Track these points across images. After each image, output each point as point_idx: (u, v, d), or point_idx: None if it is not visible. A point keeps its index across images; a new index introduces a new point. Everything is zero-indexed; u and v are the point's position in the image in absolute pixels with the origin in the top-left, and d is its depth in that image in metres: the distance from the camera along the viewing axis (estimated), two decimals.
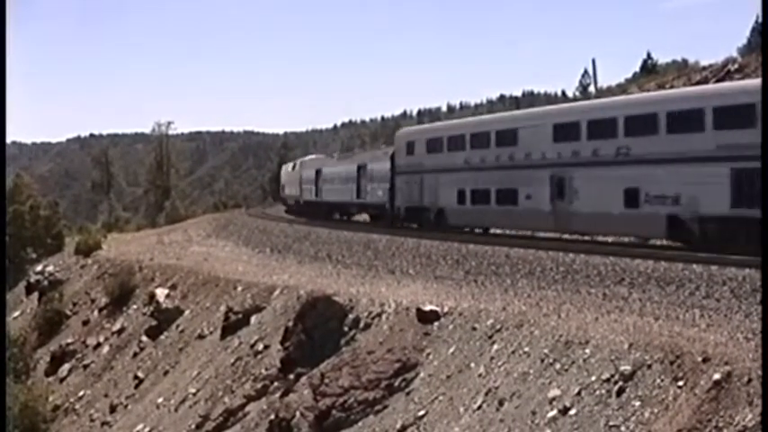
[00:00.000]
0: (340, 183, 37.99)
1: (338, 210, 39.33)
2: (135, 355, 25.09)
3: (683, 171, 18.35)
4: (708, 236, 17.84)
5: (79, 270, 37.83)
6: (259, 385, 17.02)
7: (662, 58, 50.07)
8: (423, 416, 12.13)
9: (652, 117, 19.34)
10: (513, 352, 12.03)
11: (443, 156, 27.77)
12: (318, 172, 41.89)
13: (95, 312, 30.93)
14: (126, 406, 22.49)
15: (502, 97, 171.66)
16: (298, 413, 14.24)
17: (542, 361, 11.25)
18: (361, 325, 15.84)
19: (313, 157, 51.56)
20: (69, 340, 29.66)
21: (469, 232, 26.71)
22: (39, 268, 39.54)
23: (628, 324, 11.34)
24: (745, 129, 16.61)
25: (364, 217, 36.79)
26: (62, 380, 27.67)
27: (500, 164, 24.58)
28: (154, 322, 25.36)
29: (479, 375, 12.10)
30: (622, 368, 9.76)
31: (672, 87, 31.30)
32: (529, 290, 15.43)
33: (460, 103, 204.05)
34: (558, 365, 10.89)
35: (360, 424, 13.12)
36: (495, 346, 12.49)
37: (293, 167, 49.87)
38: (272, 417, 14.92)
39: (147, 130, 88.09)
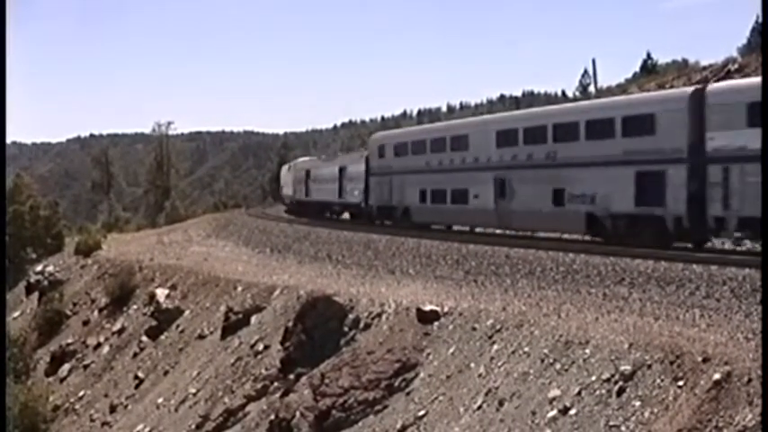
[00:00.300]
0: (325, 183, 39.90)
1: (325, 208, 40.63)
2: (135, 355, 25.09)
3: (597, 173, 20.57)
4: (618, 231, 19.95)
5: (79, 270, 37.83)
6: (259, 385, 17.02)
7: (662, 58, 50.17)
8: (423, 416, 12.14)
9: (574, 125, 21.46)
10: (513, 352, 12.03)
11: (408, 159, 30.37)
12: (308, 173, 43.82)
13: (95, 312, 30.93)
14: (126, 406, 22.50)
15: (502, 97, 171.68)
16: (298, 413, 14.24)
17: (542, 361, 11.25)
18: (362, 325, 15.84)
19: (306, 159, 53.38)
20: (69, 340, 29.67)
21: (469, 232, 27.23)
22: (39, 268, 39.55)
23: (628, 324, 11.34)
24: (645, 136, 19.12)
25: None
26: (62, 380, 27.67)
27: (454, 167, 27.15)
28: (154, 322, 25.37)
29: (479, 375, 12.11)
30: (622, 368, 9.76)
31: (672, 87, 31.30)
32: (529, 290, 15.43)
33: (460, 103, 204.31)
34: (558, 365, 10.89)
35: (360, 424, 13.12)
36: (495, 347, 12.49)
37: (289, 168, 51.87)
38: (273, 417, 14.93)
39: (147, 130, 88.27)
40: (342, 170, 37.42)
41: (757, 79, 18.69)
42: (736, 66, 32.99)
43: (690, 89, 19.60)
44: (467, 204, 25.97)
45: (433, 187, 28.17)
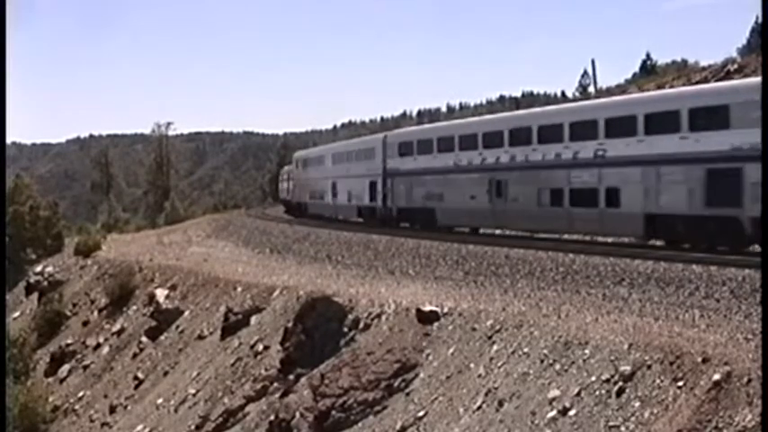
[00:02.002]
0: (298, 186, 48.30)
1: (299, 206, 46.96)
2: (135, 355, 25.09)
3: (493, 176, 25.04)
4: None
5: (79, 271, 37.83)
6: (259, 386, 17.01)
7: (662, 58, 50.23)
8: (422, 416, 12.13)
9: (499, 134, 25.06)
10: (512, 352, 12.03)
11: (309, 170, 44.50)
12: (290, 176, 51.70)
13: (95, 313, 30.93)
14: (126, 407, 22.49)
15: (501, 98, 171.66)
16: (297, 414, 14.24)
17: (542, 361, 11.25)
18: (361, 325, 15.84)
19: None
20: (69, 341, 29.66)
21: (459, 233, 27.27)
22: (38, 269, 39.55)
23: (627, 324, 11.34)
24: (499, 147, 24.78)
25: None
26: (62, 380, 27.67)
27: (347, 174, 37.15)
28: (154, 323, 25.36)
29: (479, 376, 12.10)
30: (622, 368, 9.76)
31: (671, 87, 31.28)
32: (528, 290, 15.43)
33: (460, 104, 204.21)
34: (557, 366, 10.89)
35: (360, 424, 13.12)
36: (495, 347, 12.49)
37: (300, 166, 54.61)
38: (272, 417, 14.92)
39: (147, 131, 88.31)
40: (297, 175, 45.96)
41: None
42: (735, 66, 33.00)
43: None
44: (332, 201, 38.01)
45: (314, 189, 37.97)
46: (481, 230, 27.06)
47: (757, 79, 19.19)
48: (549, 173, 22.59)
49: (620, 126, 20.23)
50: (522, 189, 23.58)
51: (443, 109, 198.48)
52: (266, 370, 17.35)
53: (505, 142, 24.45)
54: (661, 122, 19.30)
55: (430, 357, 13.57)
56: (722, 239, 17.71)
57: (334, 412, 13.51)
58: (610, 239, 22.50)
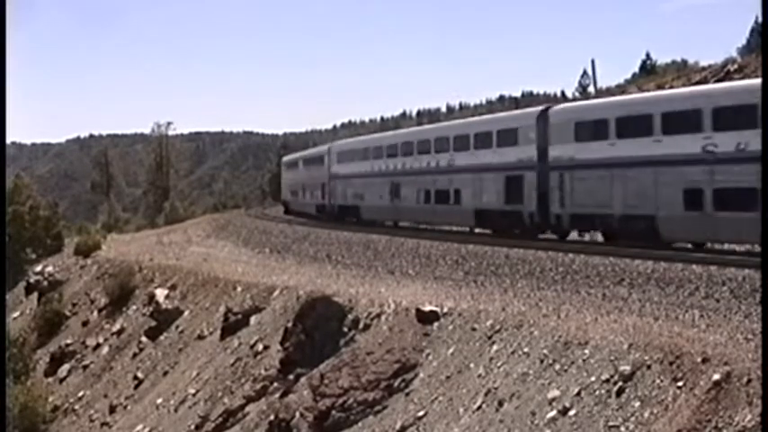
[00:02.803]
0: (283, 186, 53.54)
1: (284, 204, 52.18)
2: (134, 355, 25.08)
3: (420, 179, 29.78)
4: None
5: (79, 270, 37.81)
6: (258, 386, 17.00)
7: (662, 58, 50.24)
8: (422, 416, 12.13)
9: (395, 146, 32.21)
10: (512, 352, 12.03)
11: (289, 173, 50.30)
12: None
13: (95, 313, 30.91)
14: (125, 406, 22.48)
15: (501, 98, 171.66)
16: (297, 414, 14.24)
17: (542, 361, 11.24)
18: (361, 325, 15.83)
19: None
20: (69, 341, 29.63)
21: (458, 232, 27.87)
22: (38, 269, 39.48)
23: (627, 324, 11.34)
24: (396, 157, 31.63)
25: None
26: (62, 380, 27.64)
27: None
28: (153, 323, 25.34)
29: (479, 376, 12.10)
30: (622, 368, 9.76)
31: (671, 87, 31.28)
32: (528, 290, 15.43)
33: (460, 104, 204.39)
34: (557, 366, 10.89)
35: (359, 424, 13.11)
36: (495, 347, 12.48)
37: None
38: (272, 417, 14.91)
39: (147, 131, 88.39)
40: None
41: None
42: (735, 66, 33.00)
43: None
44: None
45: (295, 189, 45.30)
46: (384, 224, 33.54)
47: (535, 109, 25.26)
48: (423, 178, 29.58)
49: (460, 143, 27.40)
50: (408, 190, 30.66)
51: (443, 109, 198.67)
52: (266, 370, 17.35)
53: (399, 153, 31.93)
54: (482, 140, 25.98)
55: (430, 357, 13.57)
56: (514, 227, 23.89)
57: (333, 412, 13.51)
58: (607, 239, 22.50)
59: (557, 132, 22.45)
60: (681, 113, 18.59)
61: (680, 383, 8.90)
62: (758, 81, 17.27)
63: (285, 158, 57.59)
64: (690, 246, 18.72)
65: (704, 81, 31.89)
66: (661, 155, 18.84)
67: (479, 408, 11.33)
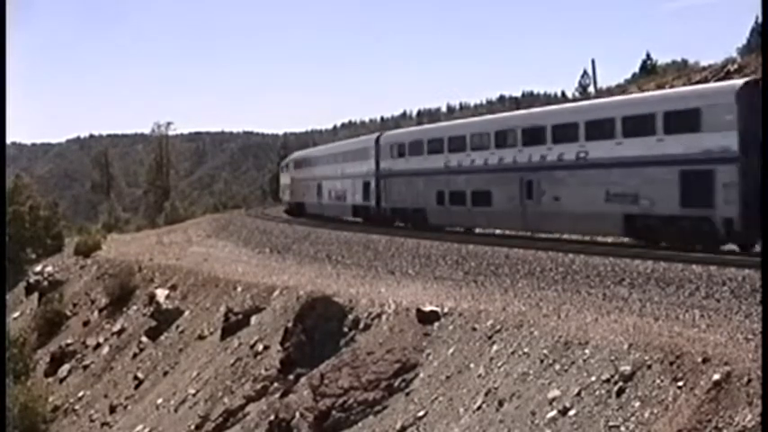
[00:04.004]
0: (279, 186, 57.80)
1: (278, 199, 58.42)
2: (135, 355, 25.08)
3: (357, 182, 35.14)
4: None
5: (79, 271, 37.82)
6: (259, 386, 17.01)
7: (662, 58, 50.22)
8: (422, 416, 12.13)
9: (334, 156, 39.99)
10: (512, 352, 12.03)
11: (282, 175, 54.28)
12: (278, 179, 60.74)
13: (95, 313, 30.92)
14: (126, 406, 22.49)
15: (501, 98, 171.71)
16: (297, 414, 14.25)
17: (542, 361, 11.24)
18: (361, 325, 15.84)
19: None
20: (69, 341, 29.65)
21: (457, 233, 27.23)
22: (38, 269, 39.50)
23: (627, 324, 11.34)
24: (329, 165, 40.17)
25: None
26: (62, 380, 27.65)
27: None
28: (154, 323, 25.35)
29: (479, 376, 12.10)
30: (622, 368, 9.76)
31: (672, 87, 31.27)
32: (528, 290, 15.43)
33: (460, 104, 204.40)
34: (557, 366, 10.89)
35: (359, 424, 13.12)
36: (495, 347, 12.49)
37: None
38: (272, 417, 14.92)
39: (147, 131, 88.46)
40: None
41: None
42: (735, 66, 32.99)
43: None
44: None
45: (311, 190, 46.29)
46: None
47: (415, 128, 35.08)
48: (342, 181, 37.44)
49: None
50: (332, 189, 38.95)
51: (443, 109, 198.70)
52: (266, 370, 17.35)
53: (340, 161, 38.41)
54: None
55: (430, 357, 13.57)
56: (419, 224, 28.32)
57: (334, 412, 13.52)
58: (609, 239, 22.50)
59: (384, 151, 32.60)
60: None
61: (680, 383, 8.90)
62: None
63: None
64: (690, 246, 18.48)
65: (704, 81, 31.87)
66: (428, 168, 28.47)
67: (479, 408, 11.33)
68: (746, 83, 17.57)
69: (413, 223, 29.42)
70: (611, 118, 20.18)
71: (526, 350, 11.80)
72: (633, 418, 8.90)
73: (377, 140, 33.22)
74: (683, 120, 18.19)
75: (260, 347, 18.59)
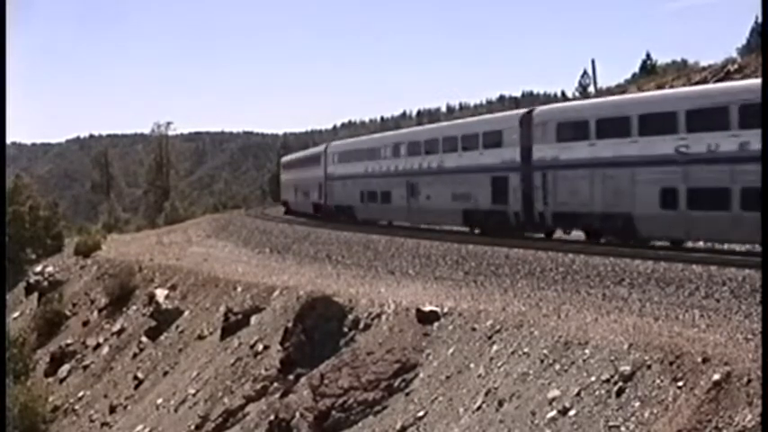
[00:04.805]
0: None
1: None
2: (135, 355, 25.07)
3: (314, 184, 41.38)
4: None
5: (79, 271, 37.80)
6: (259, 386, 17.01)
7: (662, 58, 50.21)
8: (422, 416, 12.13)
9: (300, 161, 46.35)
10: (512, 352, 12.03)
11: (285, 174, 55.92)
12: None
13: (95, 313, 30.90)
14: (125, 407, 22.48)
15: (501, 98, 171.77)
16: (297, 414, 14.25)
17: (542, 361, 11.24)
18: (361, 325, 15.83)
19: None
20: (69, 341, 29.63)
21: (457, 233, 27.42)
22: (38, 269, 39.45)
23: (627, 324, 11.34)
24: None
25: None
26: (62, 380, 27.63)
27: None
28: (153, 323, 25.34)
29: (479, 376, 12.10)
30: (622, 368, 9.76)
31: (671, 87, 31.27)
32: (528, 290, 15.43)
33: (460, 104, 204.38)
34: (557, 366, 10.89)
35: (359, 424, 13.12)
36: (495, 347, 12.49)
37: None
38: (272, 417, 14.92)
39: (147, 131, 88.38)
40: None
41: None
42: (735, 66, 33.01)
43: None
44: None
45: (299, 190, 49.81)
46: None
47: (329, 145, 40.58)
48: (306, 182, 42.91)
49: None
50: (300, 189, 44.91)
51: (443, 109, 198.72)
52: (266, 370, 17.35)
53: (305, 165, 43.60)
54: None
55: (430, 357, 13.57)
56: (351, 218, 33.88)
57: (334, 412, 13.52)
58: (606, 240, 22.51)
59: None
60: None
61: (680, 383, 8.90)
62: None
63: (283, 158, 58.07)
64: (668, 244, 18.48)
65: (704, 81, 31.89)
66: (354, 173, 35.55)
67: (479, 408, 11.33)
68: (527, 112, 24.22)
69: (347, 217, 35.32)
70: (455, 136, 27.30)
71: (526, 350, 11.80)
72: (633, 418, 8.91)
73: (325, 149, 40.47)
74: (494, 138, 24.77)
75: (260, 347, 18.58)
